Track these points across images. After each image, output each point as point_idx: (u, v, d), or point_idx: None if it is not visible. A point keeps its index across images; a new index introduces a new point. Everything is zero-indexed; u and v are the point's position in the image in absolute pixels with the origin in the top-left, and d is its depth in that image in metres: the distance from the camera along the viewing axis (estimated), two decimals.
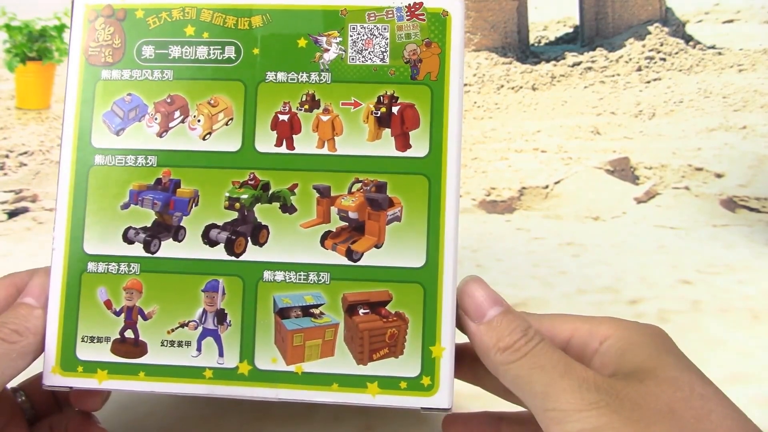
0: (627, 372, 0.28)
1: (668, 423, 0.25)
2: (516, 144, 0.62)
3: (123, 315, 0.32)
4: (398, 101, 0.32)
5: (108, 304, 0.33)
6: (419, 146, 0.32)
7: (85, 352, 0.32)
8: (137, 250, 0.33)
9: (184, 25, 0.33)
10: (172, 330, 0.32)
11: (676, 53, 0.76)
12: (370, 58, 0.33)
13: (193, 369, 0.32)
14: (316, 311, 0.32)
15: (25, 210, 0.59)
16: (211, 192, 0.33)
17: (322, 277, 0.32)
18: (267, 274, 0.32)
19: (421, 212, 0.32)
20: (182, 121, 0.33)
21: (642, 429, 0.25)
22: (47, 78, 0.69)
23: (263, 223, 0.32)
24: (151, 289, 0.32)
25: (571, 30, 0.79)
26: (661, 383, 0.26)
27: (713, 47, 0.77)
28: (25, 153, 0.64)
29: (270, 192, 0.32)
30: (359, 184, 0.32)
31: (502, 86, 0.69)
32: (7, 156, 0.64)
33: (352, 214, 0.32)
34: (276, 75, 0.33)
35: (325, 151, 0.33)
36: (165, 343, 0.32)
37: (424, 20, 0.33)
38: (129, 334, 0.32)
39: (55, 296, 0.33)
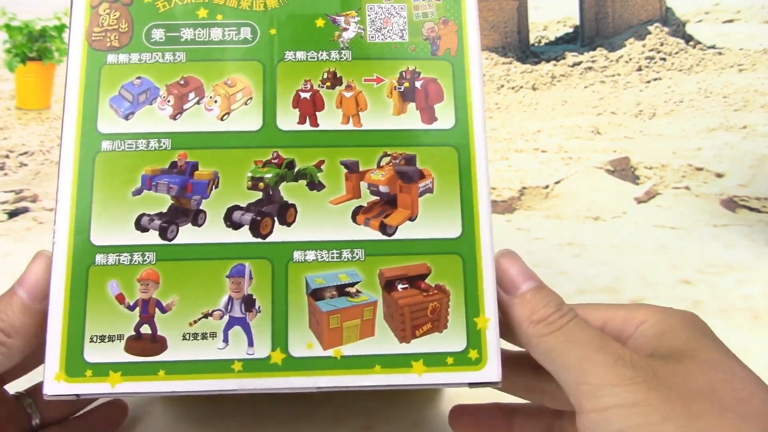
0: (664, 354, 0.27)
1: (709, 402, 0.24)
2: (516, 144, 0.62)
3: (138, 309, 0.29)
4: (420, 76, 0.32)
5: (120, 298, 0.30)
6: (445, 118, 0.32)
7: (94, 353, 0.29)
8: (152, 237, 0.30)
9: (196, 8, 0.32)
10: (195, 321, 0.29)
11: (676, 53, 0.75)
12: (389, 36, 0.33)
13: (220, 363, 0.29)
14: (352, 290, 0.30)
15: (25, 210, 0.57)
16: (232, 173, 0.31)
17: (356, 253, 0.30)
18: (297, 255, 0.30)
19: (452, 183, 0.31)
20: (197, 103, 0.32)
21: (681, 407, 0.24)
22: (47, 78, 0.67)
23: (290, 202, 0.31)
24: (169, 279, 0.30)
25: (571, 30, 0.78)
26: (701, 365, 0.26)
27: (713, 47, 0.76)
28: (26, 153, 0.62)
29: (296, 170, 0.31)
30: (388, 158, 0.32)
31: (502, 86, 0.70)
32: (7, 156, 0.62)
33: (383, 188, 0.31)
34: (295, 54, 0.32)
35: (350, 126, 0.32)
36: (187, 337, 0.29)
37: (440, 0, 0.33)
38: (146, 329, 0.29)
39: (58, 294, 0.29)
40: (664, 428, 0.24)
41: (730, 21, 0.79)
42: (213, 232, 0.30)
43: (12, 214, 0.56)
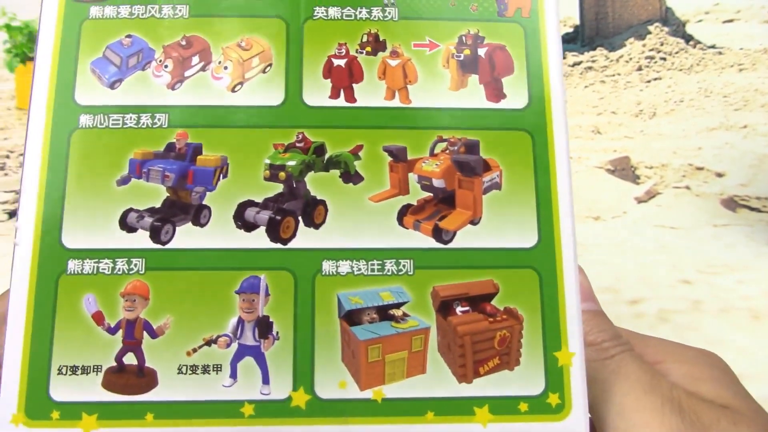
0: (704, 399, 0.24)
1: None
2: None
3: (121, 332, 0.23)
4: (484, 42, 0.26)
5: (98, 317, 0.23)
6: (516, 96, 0.25)
7: (62, 389, 0.22)
8: (141, 239, 0.23)
9: None
10: (194, 350, 0.23)
11: (677, 53, 0.76)
12: None
13: (225, 405, 0.22)
14: (398, 313, 0.23)
15: None
16: (245, 159, 0.24)
17: (404, 265, 0.24)
18: (327, 265, 0.23)
19: (526, 177, 0.25)
20: (203, 69, 0.25)
21: None
22: None
23: (318, 198, 0.24)
24: (161, 294, 0.23)
25: (571, 30, 0.79)
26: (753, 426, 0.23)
27: (713, 47, 0.77)
28: None
29: (326, 156, 0.24)
30: (444, 144, 0.25)
31: None
32: (7, 156, 0.62)
33: (437, 182, 0.25)
34: (327, 10, 0.25)
35: (396, 103, 0.25)
36: (184, 370, 0.23)
37: None
38: (130, 359, 0.23)
39: (18, 311, 0.23)
40: None
41: (730, 21, 0.80)
42: (219, 234, 0.24)
43: (12, 214, 0.55)
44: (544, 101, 0.25)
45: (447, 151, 0.25)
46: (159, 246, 0.23)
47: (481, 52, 0.26)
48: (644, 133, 0.68)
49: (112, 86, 0.25)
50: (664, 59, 0.75)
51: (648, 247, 0.54)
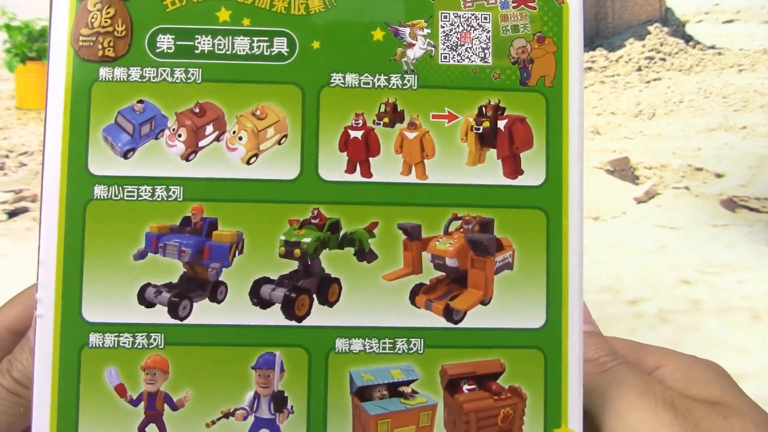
0: (697, 399, 0.26)
1: None
2: None
3: (143, 404, 0.24)
4: (505, 113, 0.25)
5: (121, 389, 0.24)
6: (533, 171, 0.25)
7: None
8: (160, 315, 0.24)
9: (216, 7, 0.25)
10: (213, 422, 0.24)
11: (676, 53, 0.76)
12: (467, 57, 0.25)
13: None
14: (407, 389, 0.24)
15: (25, 210, 0.57)
16: (260, 235, 0.24)
17: (414, 344, 0.24)
18: (340, 343, 0.24)
19: (538, 256, 0.25)
20: (217, 139, 0.25)
21: None
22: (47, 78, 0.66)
23: (333, 276, 0.24)
24: (181, 368, 0.24)
25: None
26: (748, 424, 0.24)
27: (713, 47, 0.77)
28: (25, 153, 0.62)
29: (341, 234, 0.24)
30: (458, 222, 0.25)
31: None
32: (7, 156, 0.62)
33: (450, 261, 0.25)
34: (344, 77, 0.25)
35: (412, 178, 0.25)
36: None
37: (535, 8, 0.25)
38: (152, 429, 0.24)
39: (44, 381, 0.24)
40: None
41: (730, 21, 0.80)
42: (236, 310, 0.24)
43: (12, 214, 0.56)
44: (561, 178, 0.25)
45: (461, 230, 0.25)
46: (177, 321, 0.24)
47: (501, 124, 0.25)
48: (644, 134, 0.68)
49: (125, 155, 0.24)
50: (664, 60, 0.75)
51: (648, 248, 0.55)
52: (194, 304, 0.24)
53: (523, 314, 0.25)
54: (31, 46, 0.67)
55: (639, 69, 0.74)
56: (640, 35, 0.76)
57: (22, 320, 0.28)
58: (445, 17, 0.25)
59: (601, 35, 0.76)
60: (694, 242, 0.56)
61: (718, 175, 0.64)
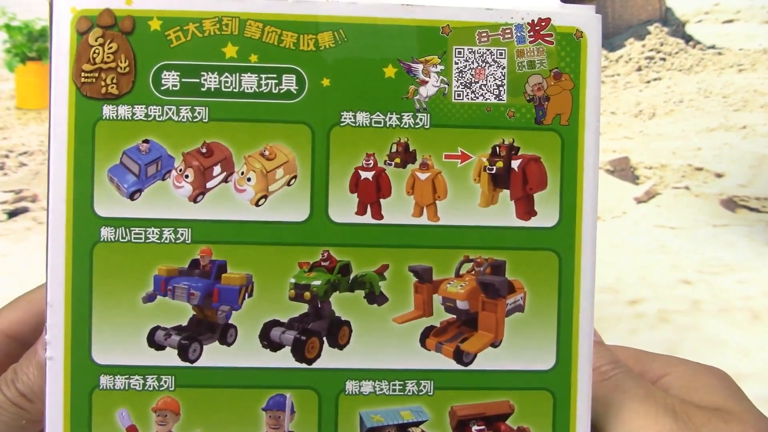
0: (699, 405, 0.26)
1: None
2: None
3: None
4: (519, 153, 0.25)
5: (132, 431, 0.24)
6: (546, 213, 0.25)
7: None
8: (170, 357, 0.24)
9: (222, 42, 0.24)
10: None
11: (676, 53, 0.75)
12: (482, 94, 0.24)
13: None
14: (417, 430, 0.25)
15: (25, 210, 0.57)
16: (270, 278, 0.24)
17: (424, 386, 0.25)
18: (350, 385, 0.24)
19: (549, 298, 0.25)
20: (225, 180, 0.24)
21: None
22: (47, 78, 0.66)
23: (343, 318, 0.24)
24: (191, 410, 0.24)
25: None
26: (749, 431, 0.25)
27: (713, 47, 0.76)
28: (25, 153, 0.62)
29: (351, 276, 0.24)
30: (470, 264, 0.25)
31: None
32: (7, 156, 0.62)
33: (461, 304, 0.25)
34: (355, 116, 0.24)
35: (423, 220, 0.24)
36: None
37: (553, 43, 0.24)
38: None
39: (56, 423, 0.24)
40: None
41: (730, 21, 0.79)
42: (246, 353, 0.24)
43: (12, 214, 0.56)
44: (574, 219, 0.25)
45: (473, 272, 0.25)
46: (187, 364, 0.24)
47: (515, 164, 0.25)
48: (644, 134, 0.67)
49: (131, 197, 0.24)
50: (664, 60, 0.74)
51: (648, 247, 0.55)
52: (204, 346, 0.24)
53: (533, 356, 0.25)
54: (31, 46, 0.66)
55: (639, 69, 0.74)
56: (640, 35, 0.76)
57: (21, 324, 0.28)
58: (460, 53, 0.24)
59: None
60: (694, 242, 0.56)
61: (718, 175, 0.64)
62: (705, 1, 0.79)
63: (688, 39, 0.76)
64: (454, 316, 0.25)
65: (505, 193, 0.25)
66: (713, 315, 0.48)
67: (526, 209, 0.25)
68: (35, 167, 0.60)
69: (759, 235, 0.57)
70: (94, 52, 0.23)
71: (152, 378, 0.24)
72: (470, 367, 0.25)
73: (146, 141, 0.24)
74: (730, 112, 0.69)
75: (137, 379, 0.24)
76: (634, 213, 0.60)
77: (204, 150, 0.24)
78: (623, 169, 0.64)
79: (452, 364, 0.25)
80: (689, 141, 0.67)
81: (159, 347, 0.24)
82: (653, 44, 0.75)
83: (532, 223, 0.25)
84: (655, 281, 0.51)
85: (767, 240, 0.56)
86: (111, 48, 0.23)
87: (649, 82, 0.73)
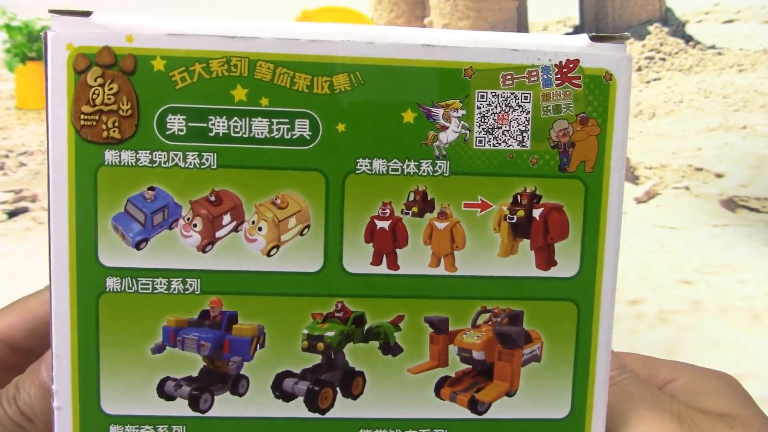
0: (705, 410, 0.26)
1: None
2: None
3: None
4: (541, 201, 0.24)
5: None
6: (567, 263, 0.24)
7: None
8: (181, 407, 0.24)
9: (231, 84, 0.22)
10: None
11: (676, 53, 0.75)
12: (504, 140, 0.23)
13: None
14: None
15: (25, 210, 0.57)
16: (282, 329, 0.23)
17: None
18: None
19: (566, 349, 0.24)
20: (235, 230, 0.23)
21: None
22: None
23: (357, 369, 0.24)
24: None
25: (571, 30, 0.77)
26: None
27: (713, 47, 0.76)
28: (25, 153, 0.62)
29: (366, 327, 0.24)
30: (487, 315, 0.24)
31: None
32: (7, 156, 0.61)
33: (477, 354, 0.24)
34: (371, 163, 0.23)
35: (441, 271, 0.24)
36: None
37: (580, 86, 0.23)
38: None
39: None
40: None
41: (730, 21, 0.79)
42: (258, 403, 0.24)
43: (12, 214, 0.56)
44: (595, 269, 0.24)
45: (490, 323, 0.24)
46: (199, 414, 0.24)
47: (536, 213, 0.24)
48: (644, 134, 0.67)
49: (137, 246, 0.23)
50: (664, 60, 0.73)
51: (648, 247, 0.55)
52: (215, 397, 0.24)
53: (548, 405, 0.25)
54: (31, 46, 0.66)
55: (639, 69, 0.73)
56: (640, 35, 0.75)
57: (17, 330, 0.28)
58: (482, 97, 0.23)
59: None
60: (694, 242, 0.56)
61: (718, 175, 0.64)
62: (705, 1, 0.78)
63: (688, 39, 0.76)
64: (470, 367, 0.24)
65: (525, 243, 0.24)
66: (713, 315, 0.49)
67: (547, 259, 0.24)
68: (35, 167, 0.60)
69: (759, 235, 0.57)
70: (94, 93, 0.22)
71: (163, 428, 0.24)
72: (484, 416, 0.24)
73: (152, 188, 0.23)
74: (730, 112, 0.69)
75: (148, 429, 0.24)
76: (634, 213, 0.60)
77: (213, 198, 0.23)
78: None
79: (467, 413, 0.24)
80: (689, 141, 0.66)
81: (169, 398, 0.24)
82: (653, 44, 0.75)
83: (552, 273, 0.24)
84: (655, 281, 0.51)
85: (767, 240, 0.56)
86: (112, 89, 0.22)
87: (649, 82, 0.72)
